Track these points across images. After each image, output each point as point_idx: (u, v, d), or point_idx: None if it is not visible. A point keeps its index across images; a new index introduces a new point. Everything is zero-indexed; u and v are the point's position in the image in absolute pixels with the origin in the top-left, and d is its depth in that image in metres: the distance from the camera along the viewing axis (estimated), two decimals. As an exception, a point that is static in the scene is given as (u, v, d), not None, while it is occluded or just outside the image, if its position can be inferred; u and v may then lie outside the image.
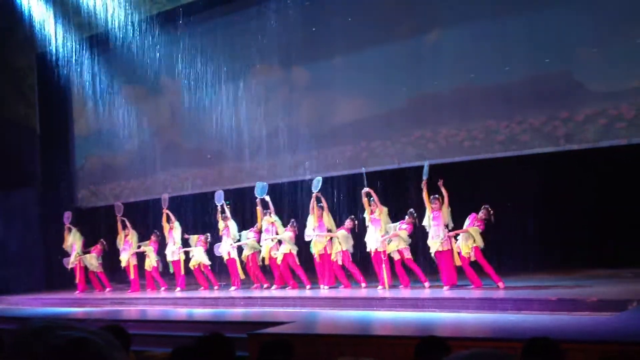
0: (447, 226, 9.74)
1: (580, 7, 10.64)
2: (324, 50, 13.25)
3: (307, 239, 11.18)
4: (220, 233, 12.31)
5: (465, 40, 11.56)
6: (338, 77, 13.07)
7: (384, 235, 10.31)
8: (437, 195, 9.84)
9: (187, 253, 12.60)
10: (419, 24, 12.25)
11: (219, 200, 12.40)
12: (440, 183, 9.77)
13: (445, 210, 9.75)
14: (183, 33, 14.87)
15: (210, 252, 12.47)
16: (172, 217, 12.72)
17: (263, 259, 11.68)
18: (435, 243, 9.75)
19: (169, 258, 12.68)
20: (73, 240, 13.78)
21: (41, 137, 16.51)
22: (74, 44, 15.77)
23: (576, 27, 10.59)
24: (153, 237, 12.99)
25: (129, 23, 14.60)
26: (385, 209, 10.53)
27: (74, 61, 15.94)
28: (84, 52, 15.86)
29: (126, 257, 13.01)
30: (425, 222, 9.98)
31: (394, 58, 12.39)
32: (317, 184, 11.23)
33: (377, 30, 12.52)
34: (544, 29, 10.81)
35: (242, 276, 11.99)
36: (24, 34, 15.96)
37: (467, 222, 9.61)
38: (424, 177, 10.09)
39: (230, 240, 12.04)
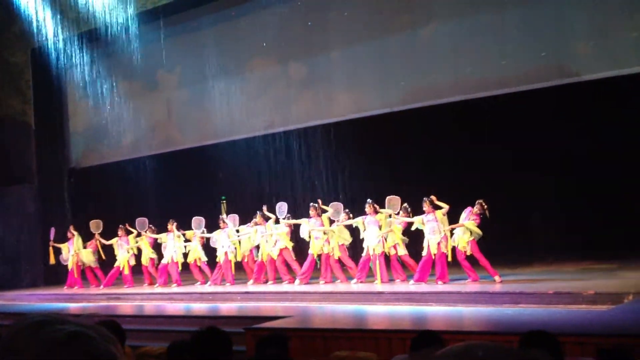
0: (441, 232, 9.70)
1: (577, 1, 10.64)
2: (320, 44, 13.22)
3: (302, 236, 11.16)
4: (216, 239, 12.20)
5: (462, 34, 11.55)
6: (335, 71, 13.04)
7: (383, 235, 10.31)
8: (424, 199, 9.81)
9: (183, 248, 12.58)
10: (415, 17, 12.23)
11: (199, 227, 12.32)
12: (434, 198, 9.76)
13: (442, 218, 9.69)
14: (179, 27, 14.81)
15: (206, 246, 12.43)
16: (178, 231, 12.46)
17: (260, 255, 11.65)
18: (433, 243, 9.69)
19: (166, 259, 12.60)
20: (75, 247, 13.64)
21: (37, 133, 16.43)
22: (69, 39, 15.69)
23: (572, 20, 10.59)
24: (148, 232, 12.94)
25: (125, 18, 14.52)
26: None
27: (69, 56, 15.86)
28: (79, 47, 15.78)
29: (124, 257, 12.93)
30: (422, 229, 9.93)
31: (390, 52, 12.37)
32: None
33: (373, 24, 12.50)
34: (541, 22, 10.81)
35: (210, 276, 12.04)
36: (20, 30, 15.88)
37: (462, 216, 9.60)
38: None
39: (229, 242, 11.97)
